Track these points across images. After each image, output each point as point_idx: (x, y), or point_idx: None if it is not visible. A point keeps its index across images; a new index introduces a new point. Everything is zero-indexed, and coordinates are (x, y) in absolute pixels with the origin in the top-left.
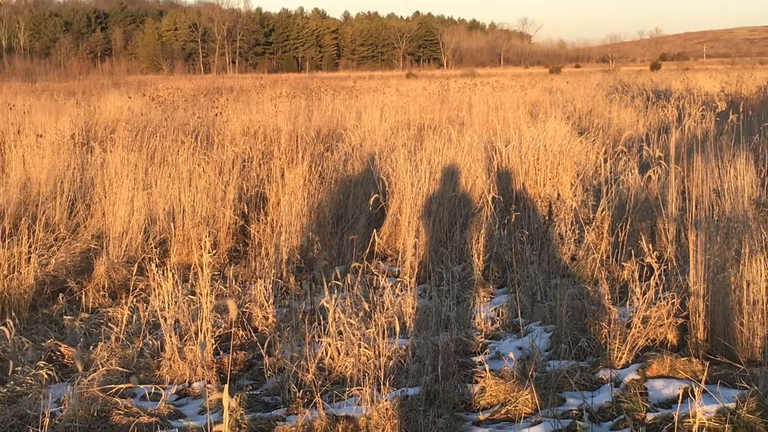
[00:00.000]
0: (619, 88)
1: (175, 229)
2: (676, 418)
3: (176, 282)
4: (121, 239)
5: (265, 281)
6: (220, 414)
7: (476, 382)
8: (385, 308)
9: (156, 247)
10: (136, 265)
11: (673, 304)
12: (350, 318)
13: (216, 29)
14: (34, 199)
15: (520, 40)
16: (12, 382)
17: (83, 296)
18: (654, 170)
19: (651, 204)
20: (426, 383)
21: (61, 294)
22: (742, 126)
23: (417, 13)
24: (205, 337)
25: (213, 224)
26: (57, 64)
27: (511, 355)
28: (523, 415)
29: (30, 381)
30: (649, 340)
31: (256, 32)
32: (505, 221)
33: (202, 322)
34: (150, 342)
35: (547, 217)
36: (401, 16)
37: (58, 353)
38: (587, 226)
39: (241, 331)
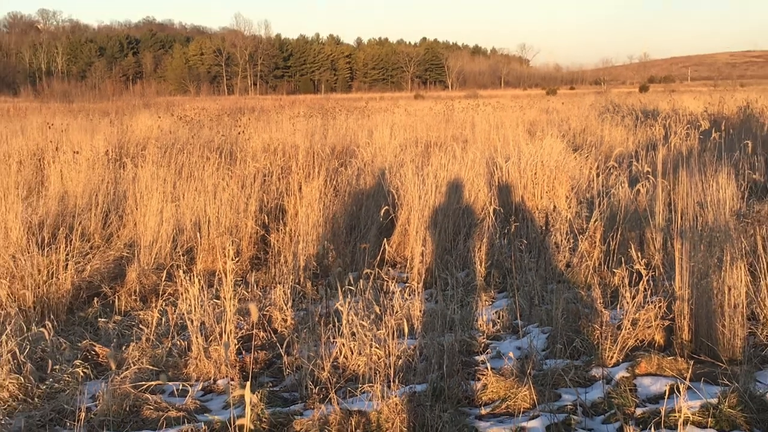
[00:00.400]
0: (610, 109)
1: (201, 238)
2: (662, 413)
3: (202, 287)
4: (151, 248)
5: (284, 286)
6: (243, 409)
7: (479, 379)
8: (395, 311)
9: (183, 255)
10: (165, 272)
11: (660, 307)
12: (362, 320)
13: (239, 54)
14: (71, 211)
15: (519, 64)
16: (51, 379)
17: (116, 300)
18: (642, 184)
19: (640, 215)
20: (432, 380)
21: (96, 298)
22: (723, 143)
23: (424, 39)
24: (228, 337)
25: (236, 234)
26: (92, 86)
27: (511, 354)
28: (521, 409)
29: (67, 378)
30: (638, 341)
31: (276, 57)
32: (506, 231)
33: (225, 324)
34: (178, 342)
35: (544, 228)
36: (409, 42)
37: (93, 353)
38: (581, 236)
39: (261, 333)
